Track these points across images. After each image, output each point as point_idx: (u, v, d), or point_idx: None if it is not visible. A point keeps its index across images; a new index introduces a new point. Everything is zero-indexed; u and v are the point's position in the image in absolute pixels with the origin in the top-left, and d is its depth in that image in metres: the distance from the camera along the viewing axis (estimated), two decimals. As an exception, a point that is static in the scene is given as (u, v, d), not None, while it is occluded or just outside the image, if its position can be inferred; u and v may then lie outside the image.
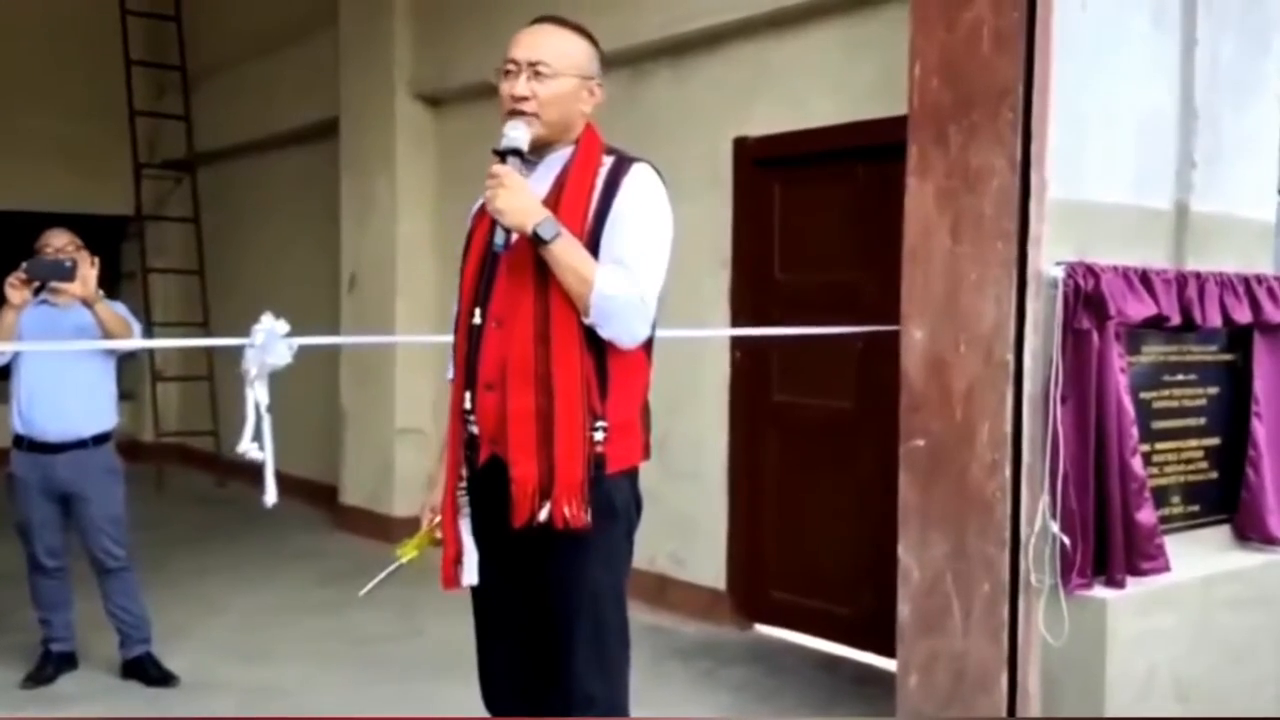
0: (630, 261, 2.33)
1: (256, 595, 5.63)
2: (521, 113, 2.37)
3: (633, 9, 5.30)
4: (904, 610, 3.42)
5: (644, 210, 2.38)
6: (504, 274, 2.38)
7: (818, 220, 4.84)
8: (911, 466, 3.36)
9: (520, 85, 2.37)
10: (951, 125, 3.27)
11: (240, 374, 2.72)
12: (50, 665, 4.34)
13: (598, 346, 2.34)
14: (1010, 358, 3.15)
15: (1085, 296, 3.19)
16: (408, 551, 2.58)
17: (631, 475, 2.46)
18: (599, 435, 2.34)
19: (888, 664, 4.40)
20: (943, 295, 3.27)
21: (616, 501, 2.41)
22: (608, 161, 2.41)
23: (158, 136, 9.76)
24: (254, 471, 9.25)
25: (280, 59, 8.22)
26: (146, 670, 4.32)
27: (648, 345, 2.44)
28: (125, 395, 4.57)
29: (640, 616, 5.10)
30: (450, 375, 2.54)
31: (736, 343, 5.09)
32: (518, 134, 2.35)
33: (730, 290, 5.09)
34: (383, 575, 2.65)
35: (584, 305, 2.30)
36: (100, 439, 4.25)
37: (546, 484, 2.30)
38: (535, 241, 2.28)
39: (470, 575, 2.48)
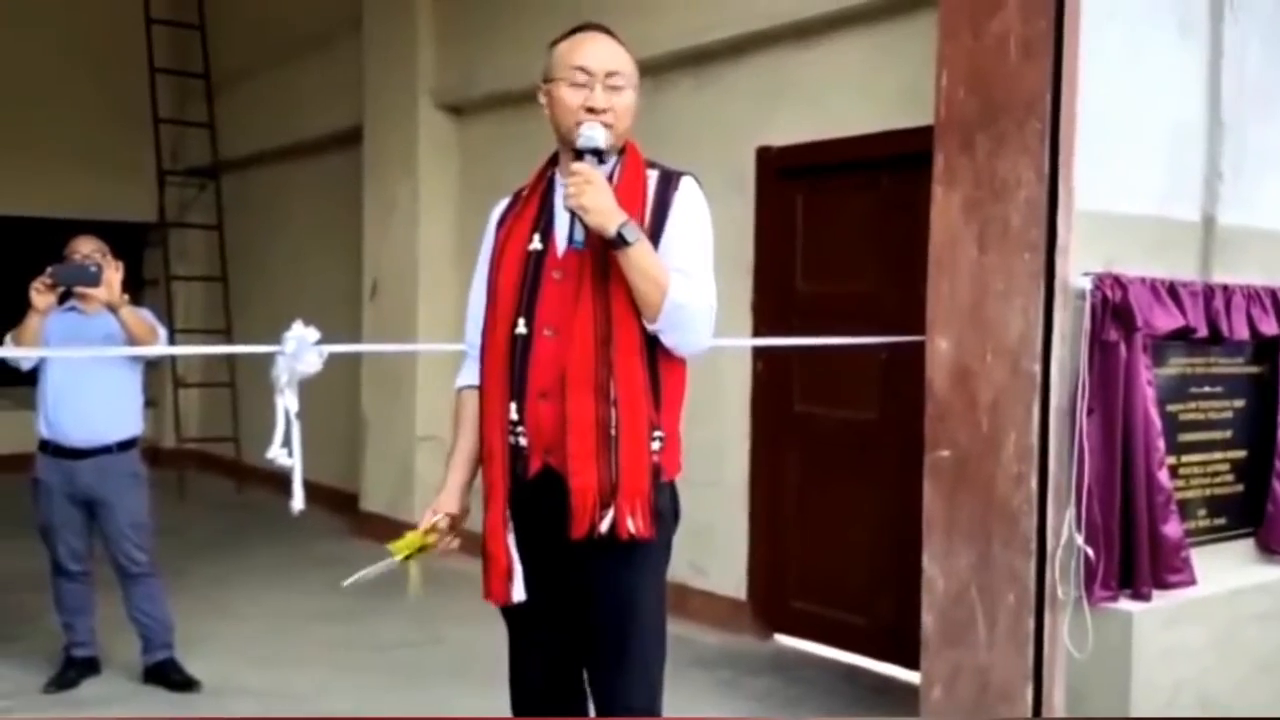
0: (693, 272, 2.33)
1: (276, 601, 5.64)
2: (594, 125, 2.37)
3: (655, 18, 5.31)
4: (928, 621, 3.41)
5: (698, 223, 2.40)
6: (552, 281, 2.36)
7: (840, 230, 4.84)
8: (937, 477, 3.35)
9: (599, 96, 2.34)
10: (979, 134, 3.27)
11: (270, 381, 2.72)
12: (73, 670, 4.35)
13: (652, 356, 2.34)
14: (1037, 369, 3.14)
15: (1113, 308, 3.18)
16: (400, 549, 2.54)
17: (674, 485, 2.44)
18: (656, 445, 2.32)
19: (909, 675, 4.39)
20: (969, 305, 3.26)
21: (666, 512, 2.39)
22: (653, 175, 2.41)
23: (181, 144, 9.83)
24: (273, 478, 9.25)
25: (303, 67, 8.27)
26: (168, 675, 4.33)
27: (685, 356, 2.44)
28: (148, 402, 4.58)
29: (660, 626, 5.12)
30: (463, 384, 2.52)
31: (758, 352, 5.08)
32: (597, 134, 2.31)
33: (752, 300, 5.08)
34: (374, 570, 2.56)
35: (654, 312, 2.28)
36: (125, 445, 4.27)
37: (608, 494, 2.27)
38: (616, 244, 2.24)
39: (519, 591, 2.43)
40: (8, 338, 4.09)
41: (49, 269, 4.04)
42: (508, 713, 2.61)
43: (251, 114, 9.02)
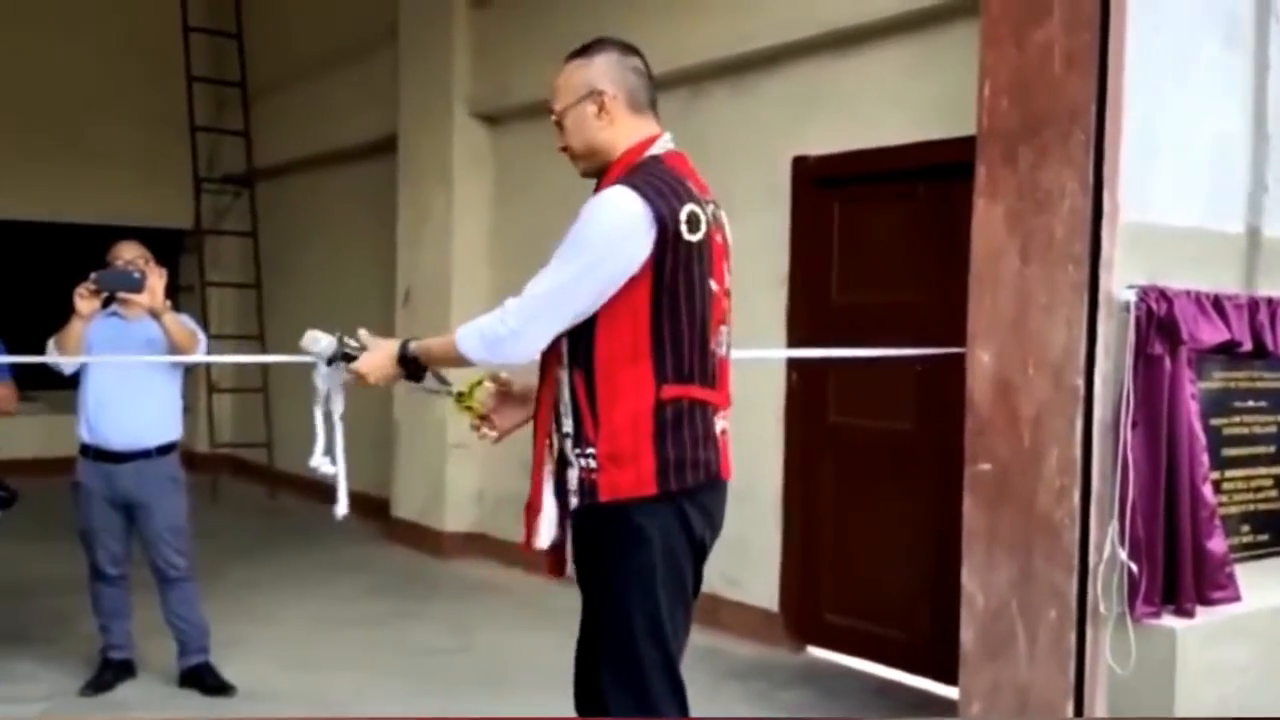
0: (530, 284, 2.35)
1: (309, 606, 5.66)
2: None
3: (691, 28, 5.31)
4: (967, 636, 3.38)
5: (573, 229, 2.33)
6: None
7: (877, 241, 4.81)
8: (977, 490, 3.32)
9: (560, 138, 2.51)
10: (1021, 146, 3.24)
11: (303, 387, 2.73)
12: (109, 673, 4.38)
13: (584, 368, 2.33)
14: (1080, 382, 3.11)
15: (1158, 321, 3.15)
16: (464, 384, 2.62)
17: (653, 504, 2.32)
18: (590, 463, 2.34)
19: (945, 690, 4.36)
20: (1011, 318, 3.24)
21: (608, 536, 2.35)
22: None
23: (217, 151, 9.90)
24: (305, 484, 9.34)
25: (339, 76, 8.32)
26: (204, 679, 4.35)
27: (646, 365, 2.32)
28: (183, 407, 4.60)
29: (694, 638, 5.08)
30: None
31: (792, 363, 5.06)
32: (313, 345, 2.61)
33: (787, 310, 5.07)
34: (432, 387, 2.64)
35: (468, 363, 2.43)
36: (164, 449, 4.30)
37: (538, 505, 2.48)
38: (413, 370, 2.54)
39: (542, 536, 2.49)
40: (51, 342, 4.12)
41: (93, 275, 4.07)
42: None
43: (286, 122, 9.08)
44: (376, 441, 7.69)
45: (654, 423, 2.32)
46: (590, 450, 2.33)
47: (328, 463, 2.70)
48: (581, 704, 2.52)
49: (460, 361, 2.45)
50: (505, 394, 2.62)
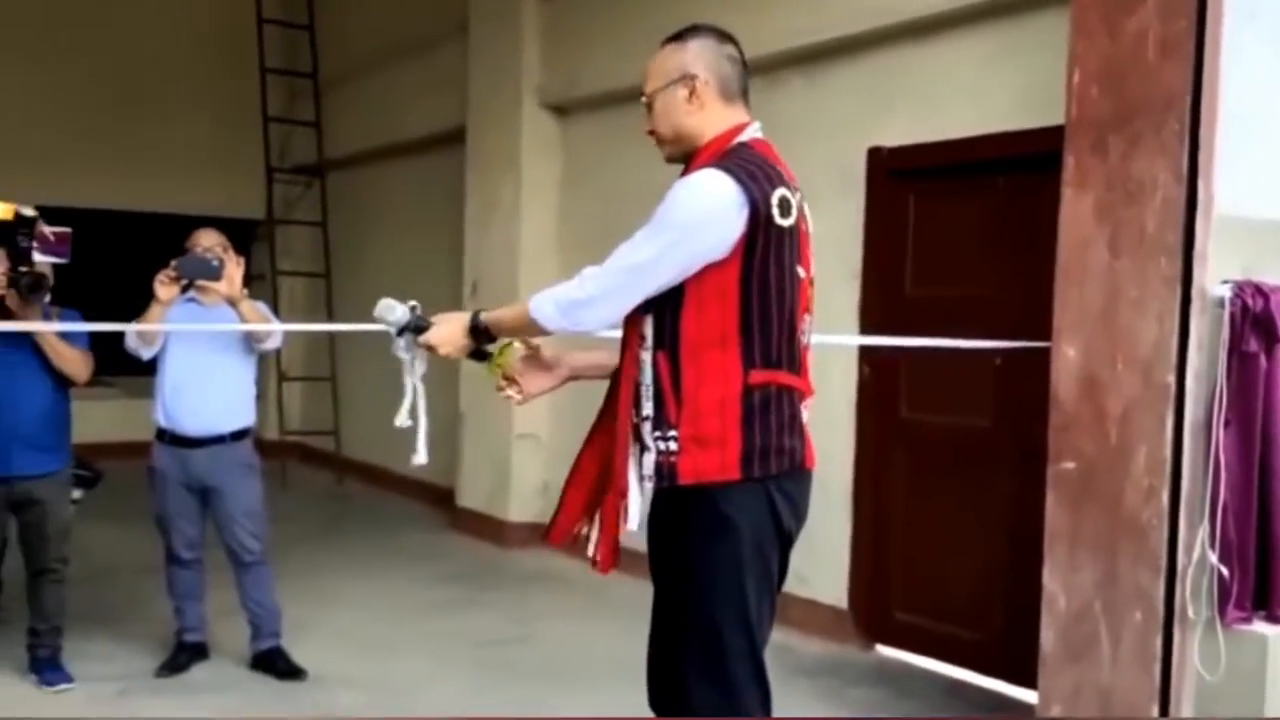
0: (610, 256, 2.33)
1: (375, 593, 5.70)
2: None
3: (765, 17, 5.24)
4: (1047, 638, 3.30)
5: (658, 210, 2.29)
6: None
7: (954, 233, 4.73)
8: (1060, 489, 3.24)
9: (647, 121, 2.47)
10: (1112, 135, 3.15)
11: (389, 365, 2.71)
12: (183, 655, 4.43)
13: (669, 349, 2.29)
14: (1171, 379, 3.02)
15: (1253, 317, 3.05)
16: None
17: (737, 490, 2.28)
18: (672, 445, 2.29)
19: (1019, 693, 4.28)
20: (1099, 312, 3.15)
21: (692, 523, 2.30)
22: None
23: (289, 142, 10.01)
24: (372, 471, 9.46)
25: (409, 67, 8.36)
26: (275, 663, 4.39)
27: (734, 349, 2.28)
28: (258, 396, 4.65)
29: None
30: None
31: (864, 357, 4.99)
32: (385, 313, 2.55)
33: (860, 303, 5.00)
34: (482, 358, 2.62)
35: (543, 332, 2.40)
36: (238, 435, 4.34)
37: (591, 509, 2.49)
38: (482, 338, 2.50)
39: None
40: (130, 328, 4.18)
41: (173, 262, 4.11)
42: (607, 710, 2.57)
43: (356, 113, 9.15)
44: (442, 432, 7.72)
45: (741, 407, 2.28)
46: (672, 433, 2.29)
47: (408, 419, 2.69)
48: (657, 696, 2.49)
49: (532, 330, 2.42)
50: (533, 359, 2.62)
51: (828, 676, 4.58)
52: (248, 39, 9.56)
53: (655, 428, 2.31)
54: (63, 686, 4.18)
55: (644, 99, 2.46)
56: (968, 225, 4.67)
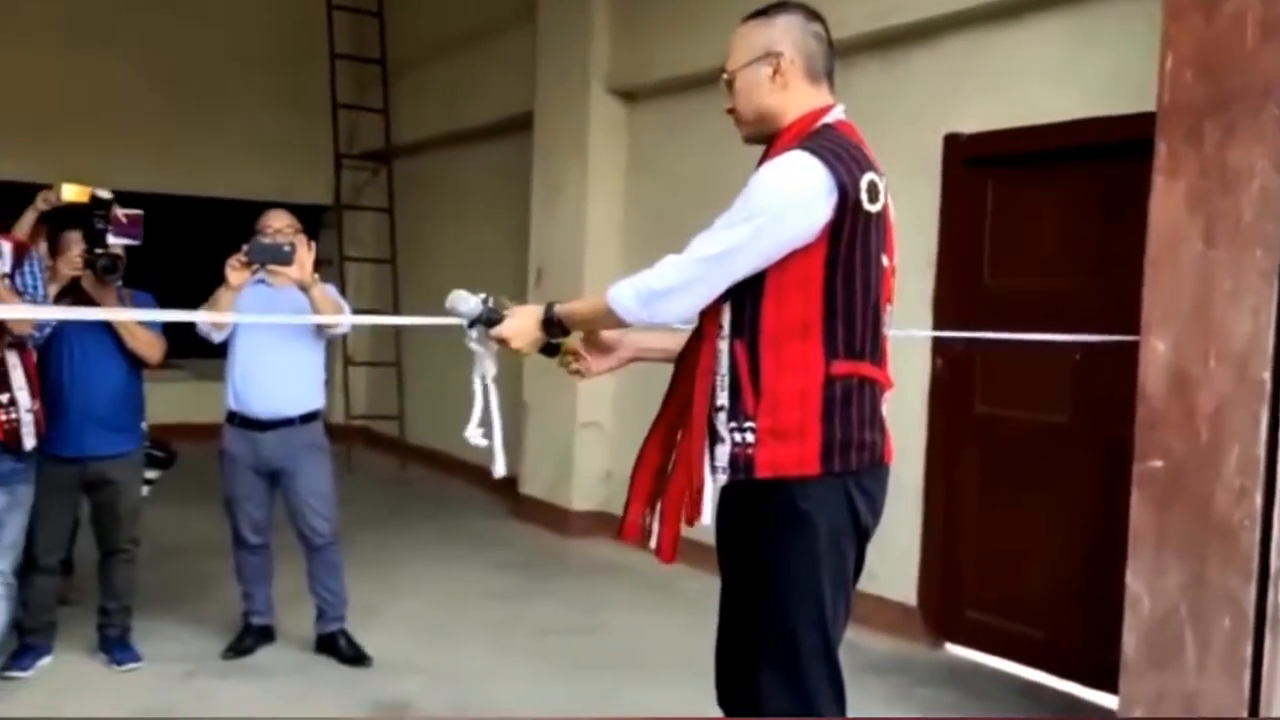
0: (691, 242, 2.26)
1: (438, 580, 5.70)
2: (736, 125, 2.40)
3: (841, 0, 5.14)
4: (1130, 642, 3.19)
5: (748, 189, 2.21)
6: None
7: (1034, 222, 4.60)
8: (1146, 488, 3.13)
9: (727, 99, 2.39)
10: (1207, 121, 3.03)
11: (465, 357, 2.64)
12: (250, 637, 4.46)
13: (749, 338, 2.22)
14: (1267, 375, 2.90)
15: (1357, 311, 2.91)
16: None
17: (796, 485, 2.22)
18: (749, 437, 2.22)
19: (1096, 696, 4.16)
20: (1191, 305, 3.03)
21: (772, 516, 2.24)
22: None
23: (357, 128, 10.06)
24: (436, 456, 9.48)
25: (477, 53, 8.35)
26: (340, 647, 4.40)
27: (816, 339, 2.21)
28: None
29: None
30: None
31: (937, 349, 4.88)
32: (458, 304, 2.46)
33: (934, 294, 4.88)
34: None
35: (622, 324, 2.33)
36: (308, 417, 4.34)
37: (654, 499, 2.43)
38: (555, 332, 2.43)
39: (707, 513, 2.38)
40: (203, 317, 4.19)
41: (245, 247, 4.11)
42: (672, 705, 2.52)
43: (424, 99, 9.17)
44: (505, 418, 7.72)
45: (823, 399, 2.20)
46: (749, 424, 2.22)
47: (480, 434, 2.62)
48: (726, 694, 2.43)
49: (609, 322, 2.35)
50: (591, 339, 2.57)
51: (896, 674, 4.49)
52: (318, 26, 9.62)
53: (731, 419, 2.24)
54: (131, 666, 4.22)
55: (724, 76, 2.37)
56: (1049, 214, 4.54)
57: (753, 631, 2.29)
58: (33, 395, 3.78)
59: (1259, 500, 2.92)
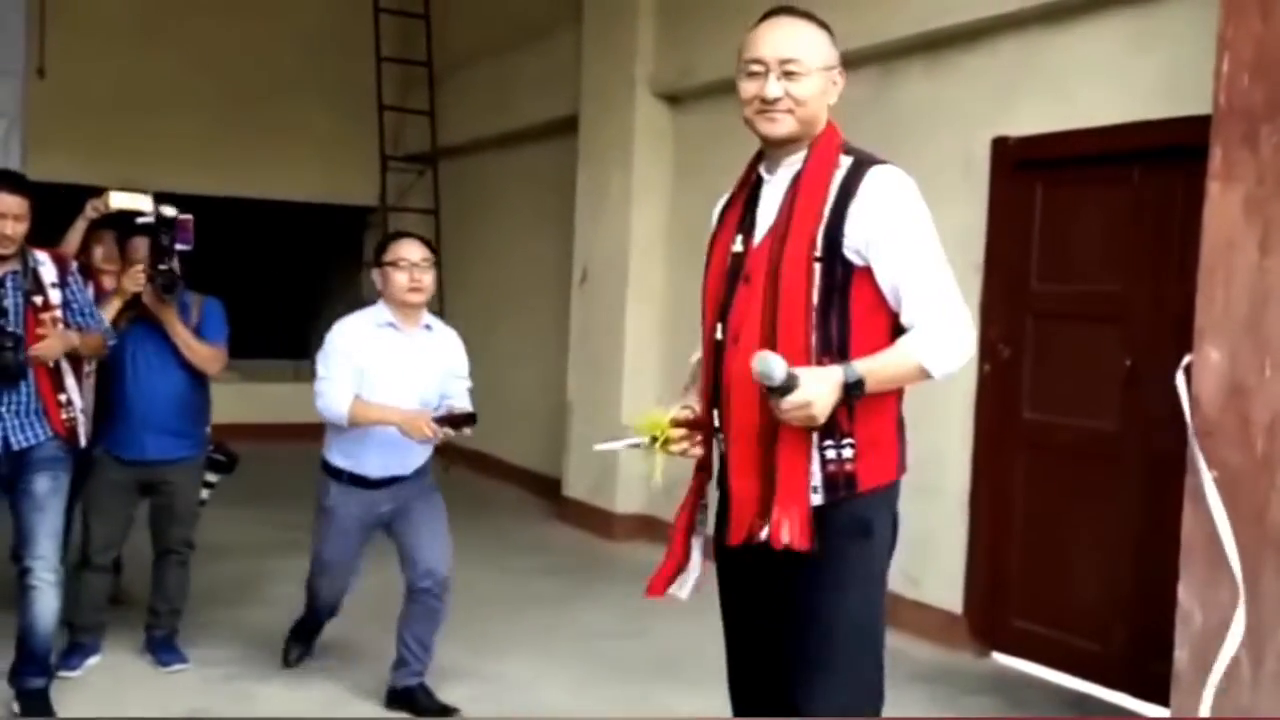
0: (922, 285, 2.21)
1: (484, 582, 5.69)
2: (772, 116, 2.29)
3: (883, 4, 5.10)
4: (1182, 655, 3.14)
5: (905, 222, 2.24)
6: (743, 287, 2.32)
7: (1083, 227, 4.53)
8: (1199, 500, 3.07)
9: (772, 86, 2.27)
10: (1264, 126, 2.97)
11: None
12: (299, 645, 4.39)
13: (839, 360, 2.20)
14: (1325, 386, 2.83)
15: None
16: (643, 429, 2.39)
17: (886, 493, 2.33)
18: (847, 453, 2.24)
19: (1147, 708, 4.10)
20: (1246, 314, 2.97)
21: (875, 524, 2.31)
22: (845, 163, 2.30)
23: (402, 130, 10.12)
24: (477, 458, 9.40)
25: (522, 56, 8.37)
26: (419, 702, 4.00)
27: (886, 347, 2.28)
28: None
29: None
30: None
31: (985, 354, 4.82)
32: (771, 368, 2.09)
33: (981, 299, 4.83)
34: (619, 444, 2.53)
35: (927, 378, 2.23)
36: (422, 469, 4.01)
37: (766, 503, 2.24)
38: (858, 390, 2.15)
39: (685, 589, 2.46)
40: (331, 387, 3.76)
41: (434, 415, 3.68)
42: (718, 711, 2.53)
43: (470, 102, 9.20)
44: (549, 420, 7.74)
45: (896, 407, 2.32)
46: (847, 440, 2.23)
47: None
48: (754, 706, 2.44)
49: (916, 379, 2.24)
50: (687, 422, 2.44)
51: (942, 683, 4.45)
52: (364, 28, 9.69)
53: (826, 436, 2.22)
54: (177, 667, 4.26)
55: (791, 65, 2.27)
56: (1099, 219, 4.47)
57: (818, 649, 2.28)
58: (81, 394, 3.85)
59: (1316, 513, 2.85)
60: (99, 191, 4.26)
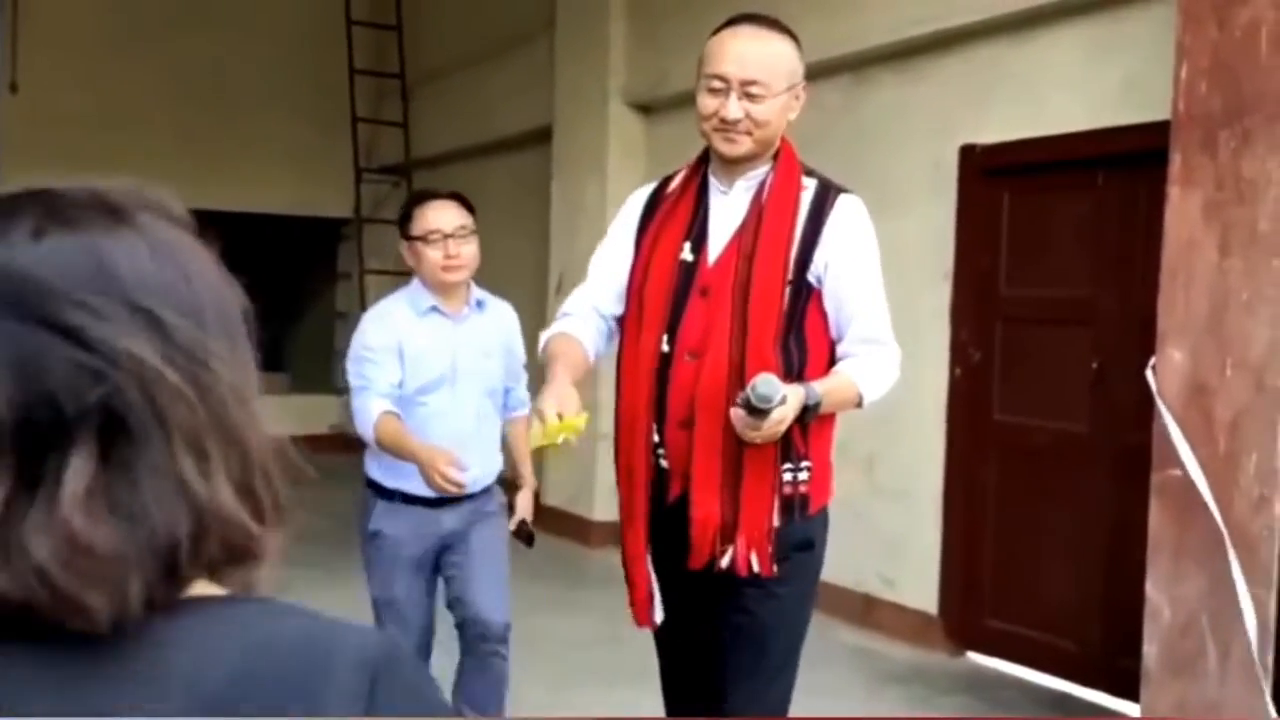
0: (869, 318, 2.27)
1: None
2: (731, 137, 2.21)
3: (856, 13, 5.17)
4: (1150, 651, 3.20)
5: (865, 253, 2.28)
6: (699, 298, 2.23)
7: (1050, 232, 4.61)
8: (1165, 498, 3.14)
9: (733, 107, 2.18)
10: (1222, 131, 3.05)
11: None
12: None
13: (799, 382, 2.21)
14: (1284, 384, 2.91)
15: (1374, 320, 2.92)
16: (547, 439, 2.23)
17: (826, 513, 2.38)
18: (803, 475, 2.25)
19: (1118, 704, 4.16)
20: (1207, 315, 3.05)
21: (816, 543, 2.35)
22: (809, 185, 2.27)
23: (376, 142, 10.14)
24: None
25: (495, 67, 8.41)
26: None
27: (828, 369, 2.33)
28: (341, 391, 4.65)
29: (846, 637, 4.99)
30: (560, 331, 2.38)
31: (955, 358, 4.89)
32: (772, 390, 2.03)
33: (951, 303, 4.90)
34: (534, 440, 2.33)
35: (861, 406, 2.29)
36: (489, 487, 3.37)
37: (729, 528, 2.19)
38: (811, 414, 2.15)
39: (659, 613, 2.41)
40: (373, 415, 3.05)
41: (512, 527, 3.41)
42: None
43: (443, 113, 9.23)
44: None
45: (833, 431, 2.35)
46: (805, 463, 2.25)
47: None
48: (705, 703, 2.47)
49: (852, 405, 2.29)
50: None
51: (917, 683, 4.50)
52: (336, 40, 9.71)
53: (784, 459, 2.21)
54: None
55: (754, 87, 2.18)
56: (1066, 224, 4.55)
57: (759, 653, 2.30)
58: None
59: (1278, 509, 2.93)
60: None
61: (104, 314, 0.66)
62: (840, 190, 2.28)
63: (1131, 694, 3.70)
